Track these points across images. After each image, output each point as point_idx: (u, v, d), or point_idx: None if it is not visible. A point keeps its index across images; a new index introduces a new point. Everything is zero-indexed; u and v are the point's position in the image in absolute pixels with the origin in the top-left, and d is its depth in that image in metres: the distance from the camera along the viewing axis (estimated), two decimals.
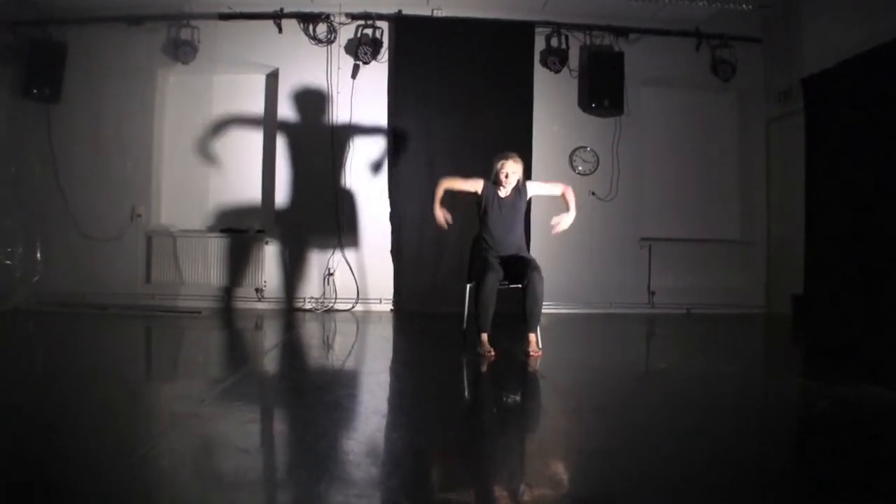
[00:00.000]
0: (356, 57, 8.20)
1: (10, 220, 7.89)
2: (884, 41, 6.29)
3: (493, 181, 5.47)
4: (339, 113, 8.32)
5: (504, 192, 5.45)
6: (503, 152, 5.48)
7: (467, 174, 5.66)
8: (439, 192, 5.51)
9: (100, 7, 7.91)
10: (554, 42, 8.41)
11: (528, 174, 8.04)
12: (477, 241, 5.61)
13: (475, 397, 4.37)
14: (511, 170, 5.37)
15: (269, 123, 8.51)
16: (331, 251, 8.26)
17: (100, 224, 8.08)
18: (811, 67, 7.48)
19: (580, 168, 8.58)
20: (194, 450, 2.84)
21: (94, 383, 4.22)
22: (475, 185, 5.47)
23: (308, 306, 8.22)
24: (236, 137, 8.50)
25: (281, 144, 8.33)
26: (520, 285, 5.13)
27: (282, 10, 8.19)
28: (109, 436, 2.97)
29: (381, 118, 8.37)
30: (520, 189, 5.51)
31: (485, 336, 5.12)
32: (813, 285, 7.40)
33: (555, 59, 8.34)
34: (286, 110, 8.34)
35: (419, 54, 8.27)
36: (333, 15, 8.24)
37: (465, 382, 4.74)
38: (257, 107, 8.58)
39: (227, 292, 8.28)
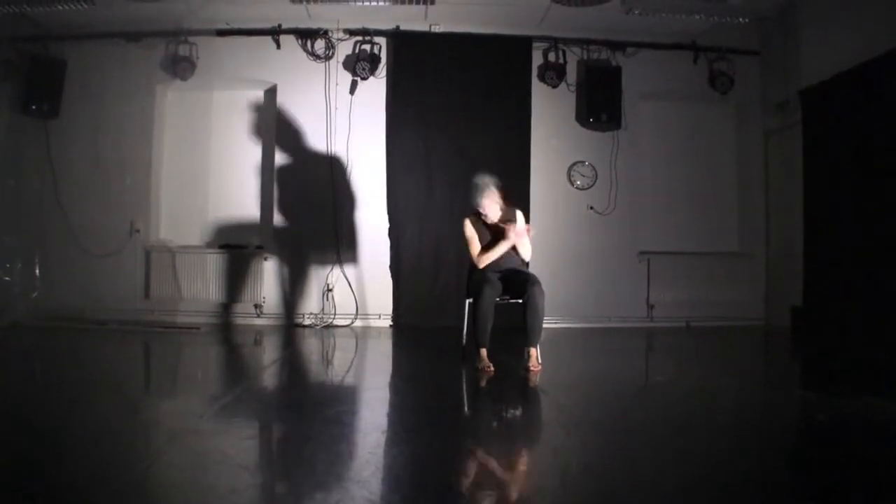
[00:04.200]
0: (354, 73, 8.22)
1: (9, 235, 7.88)
2: (881, 52, 6.32)
3: (474, 212, 5.39)
4: (338, 128, 8.34)
5: (490, 220, 5.36)
6: (482, 182, 5.31)
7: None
8: (487, 255, 5.27)
9: (98, 23, 7.95)
10: (551, 57, 8.44)
11: (526, 190, 8.11)
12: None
13: (475, 412, 4.35)
14: (488, 208, 5.28)
15: (267, 139, 8.53)
16: (329, 267, 8.26)
17: (99, 239, 8.08)
18: (809, 79, 7.52)
19: (578, 182, 8.59)
20: (193, 466, 2.82)
21: (92, 399, 4.20)
22: (470, 228, 5.37)
23: (307, 322, 8.20)
24: (234, 153, 8.53)
25: (279, 160, 8.34)
26: (520, 300, 5.11)
27: (280, 26, 8.22)
28: (108, 451, 2.96)
29: (379, 133, 8.38)
30: (506, 218, 5.37)
31: (483, 351, 5.10)
32: (812, 297, 7.42)
33: (552, 73, 8.37)
34: (284, 126, 8.35)
35: (417, 70, 8.30)
36: (331, 31, 8.27)
37: (465, 398, 4.72)
38: (255, 123, 8.60)
39: (226, 308, 8.27)
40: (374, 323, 8.28)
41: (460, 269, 7.13)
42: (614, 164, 8.56)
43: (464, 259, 5.65)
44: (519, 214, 5.45)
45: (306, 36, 8.32)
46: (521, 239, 5.25)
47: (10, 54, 7.89)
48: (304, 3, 7.82)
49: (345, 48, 8.35)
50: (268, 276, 8.28)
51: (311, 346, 6.80)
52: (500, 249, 5.25)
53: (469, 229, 5.37)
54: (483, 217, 5.33)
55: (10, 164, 7.95)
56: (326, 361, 6.12)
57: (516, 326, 5.18)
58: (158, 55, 8.23)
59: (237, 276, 8.26)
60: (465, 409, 4.42)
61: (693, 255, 8.72)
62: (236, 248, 8.30)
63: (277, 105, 8.38)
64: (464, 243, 5.44)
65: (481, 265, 5.30)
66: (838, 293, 6.97)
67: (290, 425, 3.70)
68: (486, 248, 5.31)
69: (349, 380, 5.28)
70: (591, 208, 8.56)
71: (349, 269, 8.29)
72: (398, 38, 8.36)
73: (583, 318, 8.38)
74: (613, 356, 6.74)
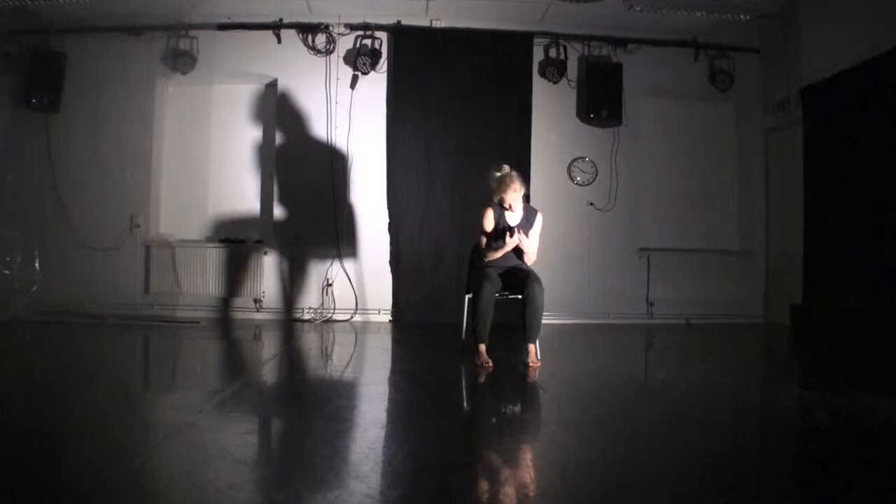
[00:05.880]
0: (355, 67, 8.21)
1: (8, 229, 7.88)
2: (882, 51, 6.31)
3: (498, 202, 5.32)
4: (338, 123, 8.33)
5: (513, 219, 5.32)
6: (505, 175, 5.25)
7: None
8: (492, 254, 5.24)
9: (99, 17, 7.94)
10: (552, 52, 8.43)
11: (526, 185, 8.08)
12: (476, 252, 5.58)
13: (474, 408, 4.35)
14: (513, 199, 5.21)
15: (267, 134, 8.52)
16: (329, 261, 8.25)
17: (98, 234, 8.07)
18: (809, 77, 7.51)
19: (578, 178, 8.58)
20: (192, 460, 2.82)
21: (92, 393, 4.21)
22: (490, 219, 5.29)
23: (307, 317, 8.20)
24: (234, 147, 8.53)
25: (279, 155, 8.34)
26: (520, 296, 5.11)
27: (281, 20, 8.20)
28: (107, 445, 2.96)
29: (379, 128, 8.37)
30: (528, 215, 5.37)
31: (482, 347, 5.11)
32: (811, 295, 7.42)
33: (553, 69, 8.36)
34: (285, 120, 8.34)
35: (418, 65, 8.28)
36: (332, 26, 8.26)
37: (464, 393, 4.73)
38: (256, 117, 8.59)
39: (226, 303, 8.26)
40: (374, 318, 8.28)
41: (460, 264, 7.14)
42: (614, 160, 8.55)
43: (463, 255, 5.65)
44: (539, 217, 5.42)
45: (307, 30, 8.30)
46: (520, 245, 5.15)
47: (10, 47, 7.89)
48: None
49: (345, 43, 8.34)
50: (267, 270, 8.28)
51: (310, 341, 6.80)
52: (504, 251, 5.19)
53: (489, 220, 5.29)
54: (507, 207, 5.27)
55: (10, 157, 7.94)
56: (326, 356, 6.12)
57: (515, 323, 5.19)
58: (159, 49, 8.21)
59: (237, 270, 8.24)
60: (464, 404, 4.42)
61: (693, 253, 8.73)
62: (236, 242, 8.29)
63: (278, 99, 8.37)
64: (480, 228, 5.38)
65: (485, 259, 5.28)
66: (837, 292, 6.97)
67: (289, 420, 3.71)
68: (490, 243, 5.27)
69: (348, 375, 5.28)
70: (591, 204, 8.56)
71: (349, 264, 8.29)
72: (399, 33, 8.35)
73: (582, 315, 8.38)
74: (613, 353, 6.75)
